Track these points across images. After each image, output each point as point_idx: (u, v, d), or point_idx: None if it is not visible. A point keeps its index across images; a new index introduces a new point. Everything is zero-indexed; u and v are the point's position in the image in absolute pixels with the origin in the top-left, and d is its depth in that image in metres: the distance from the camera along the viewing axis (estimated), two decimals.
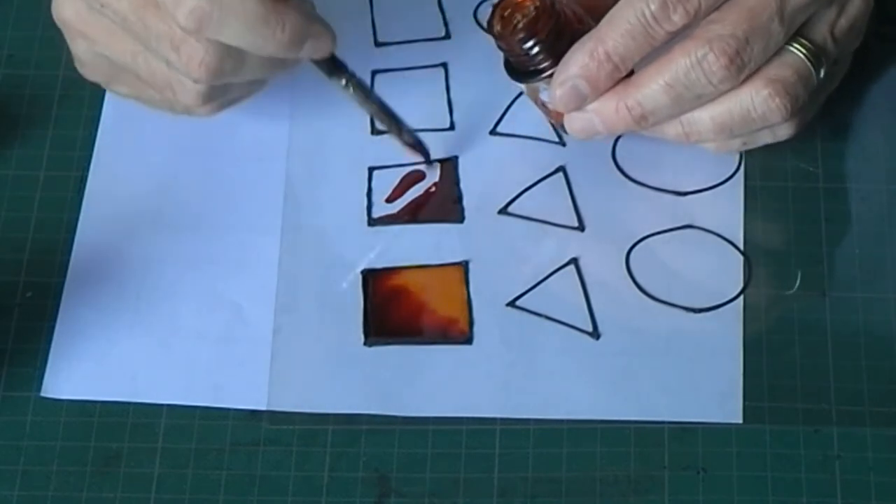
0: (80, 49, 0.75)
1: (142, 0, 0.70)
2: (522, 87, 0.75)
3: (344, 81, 0.75)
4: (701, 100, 0.71)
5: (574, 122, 0.73)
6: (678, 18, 0.69)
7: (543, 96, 0.74)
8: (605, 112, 0.71)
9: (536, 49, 0.72)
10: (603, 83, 0.71)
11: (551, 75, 0.72)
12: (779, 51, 0.70)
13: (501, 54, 0.74)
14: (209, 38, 0.69)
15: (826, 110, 0.77)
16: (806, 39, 0.71)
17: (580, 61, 0.70)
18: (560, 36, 0.72)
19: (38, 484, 0.72)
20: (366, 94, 0.76)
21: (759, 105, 0.71)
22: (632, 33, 0.69)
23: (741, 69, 0.69)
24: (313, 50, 0.72)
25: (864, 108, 0.80)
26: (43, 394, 0.74)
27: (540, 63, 0.72)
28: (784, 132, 0.74)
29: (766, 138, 0.75)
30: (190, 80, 0.71)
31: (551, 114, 0.75)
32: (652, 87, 0.70)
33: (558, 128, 0.76)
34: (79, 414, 0.74)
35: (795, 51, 0.71)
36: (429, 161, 0.78)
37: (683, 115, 0.72)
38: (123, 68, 0.74)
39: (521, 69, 0.74)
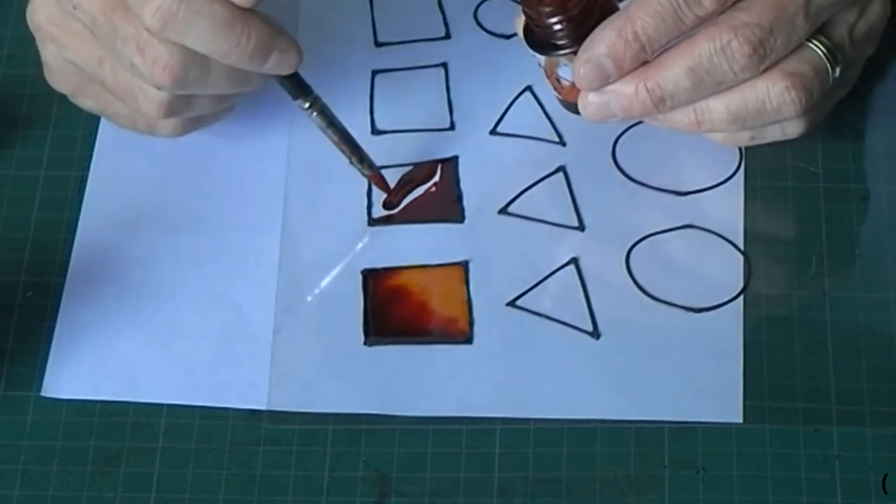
0: (49, 55, 0.75)
1: (111, 1, 0.70)
2: (540, 58, 0.74)
3: (308, 104, 0.75)
4: (720, 87, 0.70)
5: (589, 105, 0.72)
6: (709, 3, 0.69)
7: (561, 72, 0.73)
8: (624, 93, 0.71)
9: (562, 25, 0.71)
10: (628, 63, 0.70)
11: (573, 53, 0.71)
12: (798, 46, 0.70)
13: (522, 22, 0.72)
14: (174, 42, 0.69)
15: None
16: (826, 38, 0.71)
17: (608, 40, 0.70)
18: (589, 15, 0.71)
19: (38, 484, 0.72)
20: (329, 120, 0.76)
21: (775, 97, 0.70)
22: (662, 15, 0.69)
23: (763, 59, 0.69)
24: (278, 64, 0.71)
25: (865, 109, 0.80)
26: (43, 394, 0.74)
27: (563, 39, 0.71)
28: (793, 130, 0.74)
29: (775, 134, 0.74)
30: (153, 88, 0.71)
31: (564, 91, 0.74)
32: (674, 70, 0.70)
33: (568, 107, 0.75)
34: (79, 414, 0.74)
35: (814, 48, 0.71)
36: (389, 192, 0.78)
37: (699, 101, 0.71)
38: (90, 76, 0.74)
39: (543, 41, 0.72)
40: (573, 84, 0.72)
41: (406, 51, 0.83)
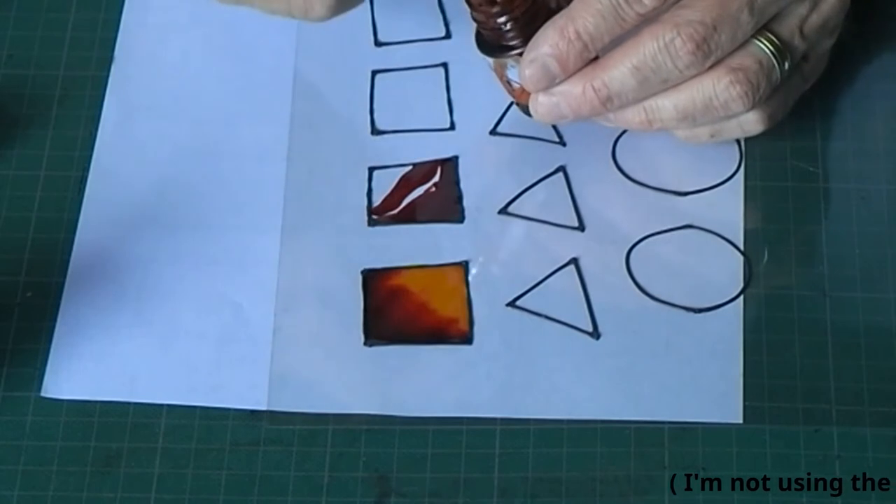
0: None
1: None
2: (490, 61, 0.74)
3: None
4: (666, 84, 0.71)
5: (539, 107, 0.73)
6: (649, 1, 0.69)
7: (510, 74, 0.74)
8: (572, 94, 0.71)
9: (509, 26, 0.72)
10: (572, 63, 0.71)
11: (521, 54, 0.72)
12: (744, 42, 0.71)
13: (473, 27, 0.74)
14: None
15: (826, 111, 0.77)
16: (773, 33, 0.72)
17: (551, 40, 0.70)
18: (535, 16, 0.72)
19: (38, 484, 0.72)
20: None
21: (721, 93, 0.71)
22: (602, 13, 0.70)
23: (707, 56, 0.70)
24: None
25: (864, 109, 0.80)
26: (43, 394, 0.74)
27: (511, 40, 0.72)
28: (752, 127, 0.74)
29: (734, 131, 0.75)
30: None
31: (515, 93, 0.75)
32: (619, 69, 0.70)
33: (523, 109, 0.76)
34: (79, 414, 0.74)
35: (760, 44, 0.71)
36: None
37: (648, 100, 0.72)
38: None
39: (491, 43, 0.73)
40: (522, 86, 0.73)
41: (406, 51, 0.83)
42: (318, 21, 0.74)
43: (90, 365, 0.75)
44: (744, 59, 0.71)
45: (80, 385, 0.74)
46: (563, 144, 0.80)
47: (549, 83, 0.72)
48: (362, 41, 0.83)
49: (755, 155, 0.78)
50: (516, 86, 0.74)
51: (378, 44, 0.83)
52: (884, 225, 0.77)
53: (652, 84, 0.71)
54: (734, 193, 0.78)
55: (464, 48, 0.82)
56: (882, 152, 0.79)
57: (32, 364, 0.75)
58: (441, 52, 0.83)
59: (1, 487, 0.72)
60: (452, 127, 0.81)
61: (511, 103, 0.80)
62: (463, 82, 0.82)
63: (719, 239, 0.77)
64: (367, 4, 0.84)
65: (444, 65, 0.82)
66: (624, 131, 0.79)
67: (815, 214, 0.77)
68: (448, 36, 0.83)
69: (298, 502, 0.71)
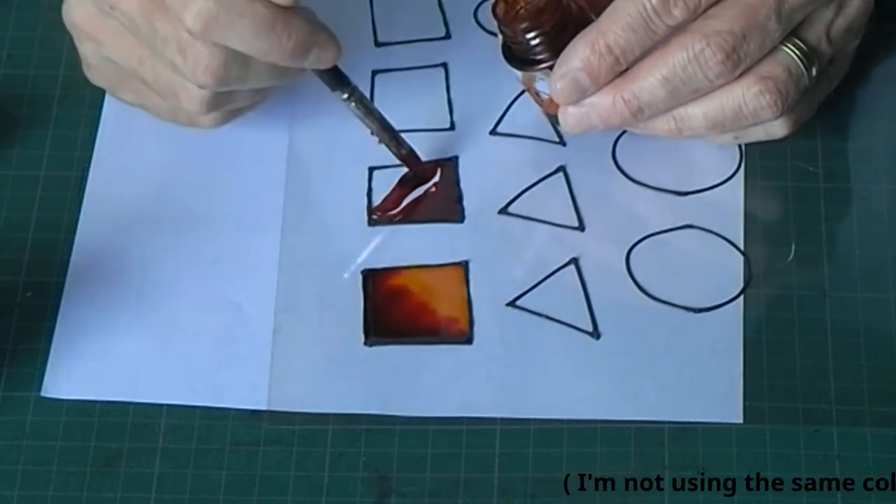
0: (88, 52, 0.75)
1: (150, 2, 0.70)
2: (518, 74, 0.75)
3: (346, 95, 0.75)
4: (696, 94, 0.71)
5: (569, 118, 0.73)
6: (678, 13, 0.69)
7: (539, 86, 0.74)
8: (602, 105, 0.72)
9: (538, 40, 0.72)
10: (603, 76, 0.71)
11: (550, 67, 0.72)
12: (772, 49, 0.71)
13: (500, 40, 0.74)
14: (215, 43, 0.69)
15: (826, 110, 0.77)
16: (800, 39, 0.72)
17: (581, 54, 0.70)
18: (563, 29, 0.72)
19: (38, 484, 0.72)
20: (367, 108, 0.76)
21: (750, 101, 0.71)
22: (633, 26, 0.70)
23: (737, 65, 0.70)
24: (318, 60, 0.72)
25: (865, 108, 0.80)
26: (43, 394, 0.74)
27: (540, 54, 0.72)
28: (777, 130, 0.74)
29: (759, 135, 0.75)
30: (195, 86, 0.71)
31: (545, 104, 0.75)
32: (649, 80, 0.71)
33: (551, 119, 0.76)
34: (79, 414, 0.74)
35: (788, 50, 0.71)
36: (422, 168, 0.78)
37: (678, 109, 0.72)
38: (130, 73, 0.74)
39: (520, 57, 0.73)
40: (552, 98, 0.73)
41: (406, 51, 0.83)
42: (206, 129, 0.76)
43: (90, 365, 0.75)
44: (773, 67, 0.71)
45: (80, 385, 0.74)
46: (563, 144, 0.80)
47: (581, 96, 0.72)
48: (362, 41, 0.83)
49: (755, 155, 0.78)
50: (545, 97, 0.74)
51: (378, 44, 0.83)
52: (884, 225, 0.77)
53: (682, 94, 0.71)
54: (734, 193, 0.78)
55: (464, 48, 0.83)
56: (882, 152, 0.79)
57: (32, 364, 0.75)
58: (441, 52, 0.83)
59: (1, 487, 0.72)
60: (452, 127, 0.81)
61: (511, 103, 0.80)
62: (463, 82, 0.82)
63: (719, 239, 0.77)
64: (367, 4, 0.85)
65: (444, 65, 0.82)
66: (624, 131, 0.79)
67: (815, 214, 0.77)
68: (448, 36, 0.83)
69: (298, 502, 0.71)
